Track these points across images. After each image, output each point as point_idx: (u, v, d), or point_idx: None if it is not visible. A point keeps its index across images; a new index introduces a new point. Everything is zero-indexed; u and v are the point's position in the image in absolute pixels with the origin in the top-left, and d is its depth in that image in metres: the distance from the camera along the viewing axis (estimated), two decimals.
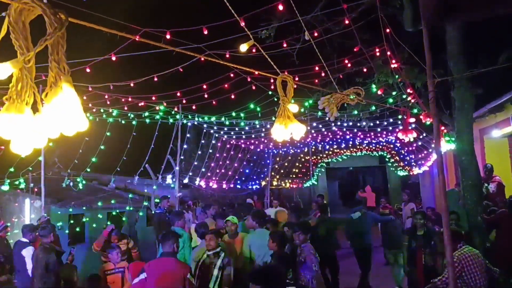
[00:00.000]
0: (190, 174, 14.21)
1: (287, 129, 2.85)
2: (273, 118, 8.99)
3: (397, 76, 9.51)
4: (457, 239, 5.69)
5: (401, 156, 21.74)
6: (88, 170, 11.22)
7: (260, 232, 6.76)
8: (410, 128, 9.12)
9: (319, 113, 11.44)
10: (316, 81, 9.25)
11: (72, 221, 11.97)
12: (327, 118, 5.75)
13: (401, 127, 10.15)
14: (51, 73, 1.51)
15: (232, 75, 8.49)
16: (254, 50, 6.43)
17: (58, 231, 10.35)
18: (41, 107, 1.48)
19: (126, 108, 9.82)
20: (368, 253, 9.04)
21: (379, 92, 9.68)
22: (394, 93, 10.15)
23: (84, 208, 12.55)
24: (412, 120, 8.98)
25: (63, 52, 1.52)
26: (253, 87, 9.34)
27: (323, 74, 8.63)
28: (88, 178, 13.19)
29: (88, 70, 6.57)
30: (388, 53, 8.29)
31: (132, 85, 7.62)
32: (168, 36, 5.97)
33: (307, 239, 6.08)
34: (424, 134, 13.55)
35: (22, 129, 1.41)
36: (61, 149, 12.95)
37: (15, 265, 7.69)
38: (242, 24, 5.18)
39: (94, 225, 11.94)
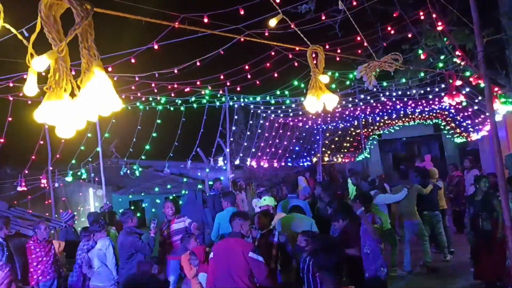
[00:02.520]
0: (241, 155, 14.42)
1: (319, 100, 2.86)
2: None
3: (445, 39, 9.12)
4: None
5: (457, 122, 20.86)
6: (143, 157, 11.67)
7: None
8: (457, 91, 8.74)
9: (366, 85, 11.18)
10: (359, 51, 9.06)
11: (132, 207, 12.57)
12: (369, 88, 5.65)
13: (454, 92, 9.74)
14: (83, 59, 1.65)
15: (273, 53, 8.47)
16: (292, 26, 6.38)
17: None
18: (78, 92, 1.62)
19: (173, 95, 10.08)
20: None
21: (423, 57, 9.32)
22: (442, 57, 9.72)
23: (142, 194, 13.16)
24: (459, 83, 8.60)
25: (92, 40, 1.64)
26: (296, 64, 9.27)
27: (365, 44, 8.43)
28: (144, 166, 13.74)
29: (133, 60, 6.81)
30: (434, 15, 7.95)
31: (176, 71, 7.81)
32: (206, 20, 6.04)
33: (370, 209, 5.94)
34: (480, 98, 12.93)
35: (63, 114, 1.56)
36: (117, 139, 13.56)
37: None
38: (278, 0, 5.16)
39: (153, 210, 12.47)
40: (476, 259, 7.30)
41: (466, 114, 16.98)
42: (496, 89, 9.22)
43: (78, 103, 1.59)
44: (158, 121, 11.21)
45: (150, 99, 10.18)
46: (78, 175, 11.28)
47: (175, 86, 8.98)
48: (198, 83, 9.19)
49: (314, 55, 3.35)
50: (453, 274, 8.24)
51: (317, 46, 3.06)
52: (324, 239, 5.38)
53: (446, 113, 19.86)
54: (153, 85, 8.63)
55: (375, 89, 12.31)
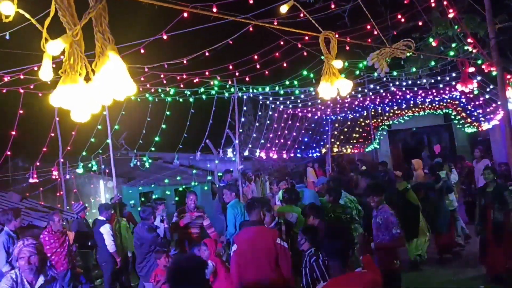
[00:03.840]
0: (250, 146, 14.40)
1: (333, 86, 2.83)
2: None
3: (456, 27, 8.99)
4: None
5: (468, 112, 20.62)
6: (153, 149, 11.69)
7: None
8: (470, 79, 8.64)
9: (375, 74, 11.10)
10: (369, 40, 8.96)
11: (142, 199, 12.63)
12: (381, 75, 5.60)
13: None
14: (97, 43, 1.64)
15: (282, 43, 8.41)
16: (302, 15, 6.33)
17: (131, 209, 11.04)
18: (93, 76, 1.62)
19: (182, 86, 10.06)
20: None
21: (434, 44, 9.21)
22: (454, 45, 9.60)
23: (152, 185, 13.21)
24: (471, 69, 8.48)
25: (106, 24, 1.64)
26: (305, 53, 9.20)
27: (375, 33, 8.33)
28: (153, 157, 13.78)
29: (142, 51, 6.80)
30: (445, 2, 7.84)
31: (185, 62, 7.80)
32: (214, 10, 6.01)
33: (382, 200, 5.79)
34: (491, 86, 12.77)
35: (78, 97, 1.56)
36: (127, 131, 13.61)
37: (96, 241, 8.33)
38: None
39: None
40: (485, 251, 7.22)
41: (477, 103, 16.79)
42: (508, 77, 9.11)
43: (93, 87, 1.59)
44: (168, 112, 11.21)
45: (159, 90, 10.18)
46: (88, 167, 11.36)
47: (184, 77, 8.95)
48: (207, 73, 9.15)
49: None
50: (464, 264, 8.21)
51: (329, 32, 3.03)
52: (328, 226, 5.34)
53: (457, 102, 19.64)
54: (162, 76, 8.62)
55: (384, 79, 12.21)
